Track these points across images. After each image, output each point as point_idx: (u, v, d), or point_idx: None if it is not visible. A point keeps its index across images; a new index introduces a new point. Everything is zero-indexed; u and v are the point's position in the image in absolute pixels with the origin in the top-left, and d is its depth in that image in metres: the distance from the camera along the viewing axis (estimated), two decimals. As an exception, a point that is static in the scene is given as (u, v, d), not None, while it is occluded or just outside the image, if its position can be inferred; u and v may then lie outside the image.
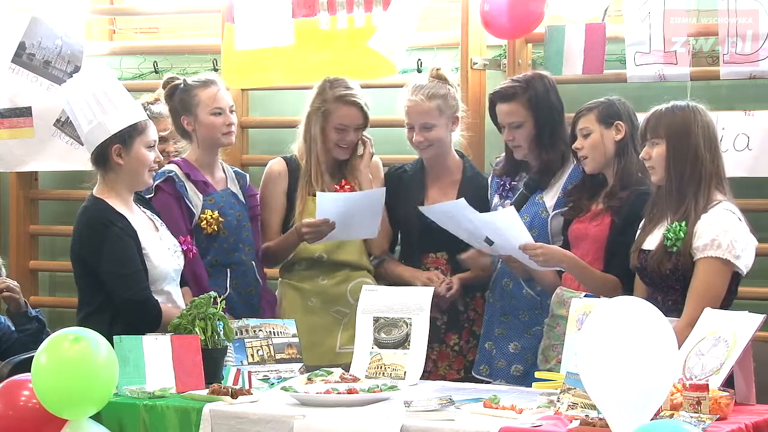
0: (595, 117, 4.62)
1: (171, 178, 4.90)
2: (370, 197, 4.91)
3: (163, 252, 4.58)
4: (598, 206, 4.64)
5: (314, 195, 4.94)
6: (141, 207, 4.68)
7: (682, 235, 4.15)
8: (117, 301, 4.46)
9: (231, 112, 5.01)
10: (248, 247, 5.01)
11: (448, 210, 4.77)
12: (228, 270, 4.93)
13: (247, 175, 5.21)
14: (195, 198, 4.93)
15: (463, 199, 4.69)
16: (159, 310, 4.48)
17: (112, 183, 4.56)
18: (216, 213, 4.92)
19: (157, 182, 4.84)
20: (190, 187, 4.93)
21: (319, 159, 5.05)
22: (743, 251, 4.15)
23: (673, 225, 4.18)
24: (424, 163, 5.13)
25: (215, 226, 4.91)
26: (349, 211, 4.87)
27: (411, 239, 5.09)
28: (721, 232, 4.13)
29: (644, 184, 4.54)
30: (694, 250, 4.14)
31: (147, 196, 4.82)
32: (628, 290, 4.40)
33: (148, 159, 4.56)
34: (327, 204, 4.87)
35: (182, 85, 4.99)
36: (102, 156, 4.54)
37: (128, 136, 4.52)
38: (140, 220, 4.61)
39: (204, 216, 4.91)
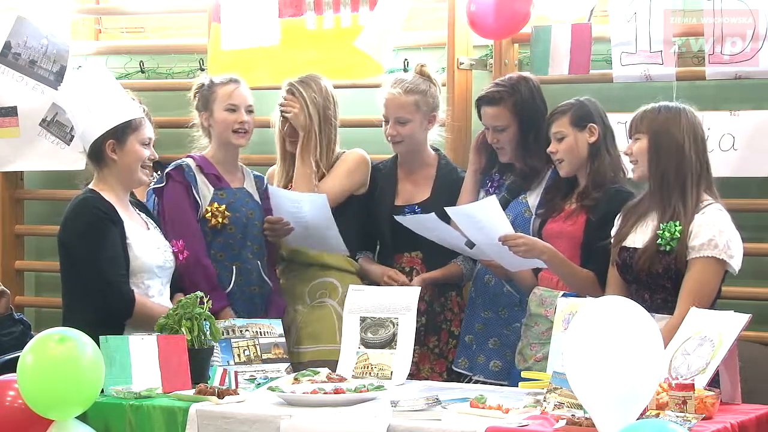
0: (569, 120, 4.63)
1: (181, 167, 4.95)
2: (314, 200, 4.88)
3: (148, 246, 4.59)
4: (571, 206, 4.65)
5: None
6: (137, 210, 4.71)
7: (678, 236, 4.16)
8: (91, 284, 4.47)
9: (248, 112, 5.03)
10: (257, 246, 4.99)
11: (420, 222, 4.80)
12: (234, 267, 4.93)
13: (266, 178, 5.18)
14: (204, 189, 4.95)
15: (433, 214, 4.72)
16: (131, 299, 4.47)
17: (107, 179, 4.62)
18: (223, 207, 4.93)
19: (168, 170, 4.93)
20: (201, 178, 4.95)
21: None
22: (736, 251, 4.18)
23: (667, 225, 4.19)
24: (397, 160, 5.13)
25: (220, 219, 4.91)
26: (299, 212, 4.88)
27: (385, 239, 5.09)
28: (717, 233, 4.14)
29: (618, 183, 4.55)
30: (689, 249, 4.15)
31: (159, 185, 4.91)
32: (604, 285, 4.41)
33: (141, 155, 4.61)
34: (276, 198, 4.93)
35: (207, 83, 5.07)
36: (97, 152, 4.61)
37: (122, 132, 4.59)
38: (131, 216, 4.63)
39: (210, 208, 4.92)
